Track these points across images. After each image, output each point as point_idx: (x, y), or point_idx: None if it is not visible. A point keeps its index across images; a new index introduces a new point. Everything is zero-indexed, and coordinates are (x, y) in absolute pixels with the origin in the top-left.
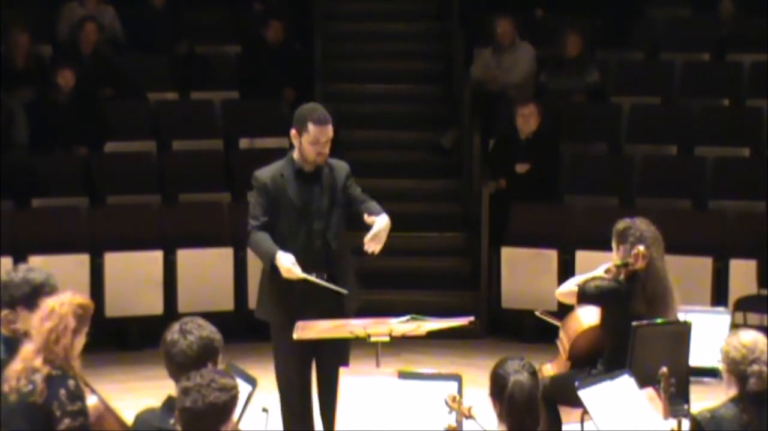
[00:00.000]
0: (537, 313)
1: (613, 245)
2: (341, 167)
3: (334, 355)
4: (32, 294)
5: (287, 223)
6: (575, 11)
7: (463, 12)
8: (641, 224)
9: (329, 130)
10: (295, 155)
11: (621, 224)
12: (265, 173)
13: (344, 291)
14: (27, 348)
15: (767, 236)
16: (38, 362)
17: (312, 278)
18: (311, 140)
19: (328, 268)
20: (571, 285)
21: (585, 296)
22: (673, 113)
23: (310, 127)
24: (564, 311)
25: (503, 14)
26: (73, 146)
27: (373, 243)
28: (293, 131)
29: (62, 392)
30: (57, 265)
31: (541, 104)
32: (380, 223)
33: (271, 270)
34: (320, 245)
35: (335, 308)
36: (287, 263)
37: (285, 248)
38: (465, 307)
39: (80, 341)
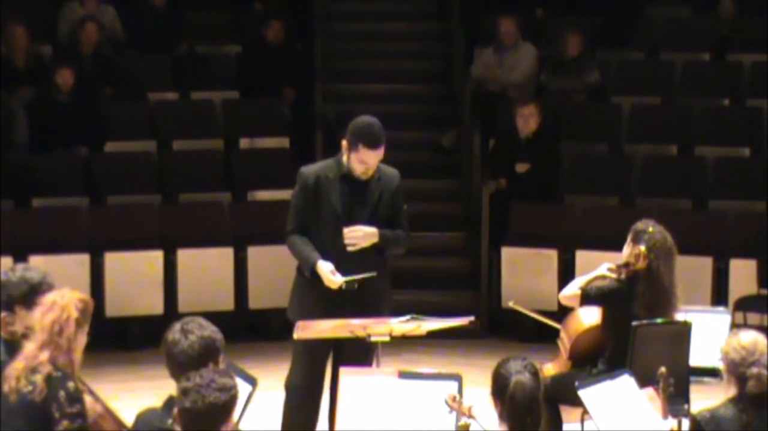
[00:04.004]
0: (510, 304)
1: (627, 240)
2: (392, 175)
3: (355, 355)
4: (30, 293)
5: (327, 228)
6: (575, 11)
7: (463, 12)
8: (657, 233)
9: (381, 152)
10: (344, 158)
11: (640, 225)
12: (310, 171)
13: (373, 274)
14: (29, 347)
15: (767, 236)
16: (43, 357)
17: (350, 279)
18: (359, 160)
19: (354, 274)
20: (574, 289)
21: (588, 298)
22: (673, 113)
23: (361, 149)
24: (564, 310)
25: (505, 14)
26: (73, 145)
27: (348, 235)
28: (344, 142)
29: (61, 393)
30: (57, 265)
31: (541, 104)
32: (365, 227)
33: (307, 276)
34: (357, 255)
35: (369, 312)
36: (328, 273)
37: (324, 253)
38: (465, 307)
39: (82, 338)
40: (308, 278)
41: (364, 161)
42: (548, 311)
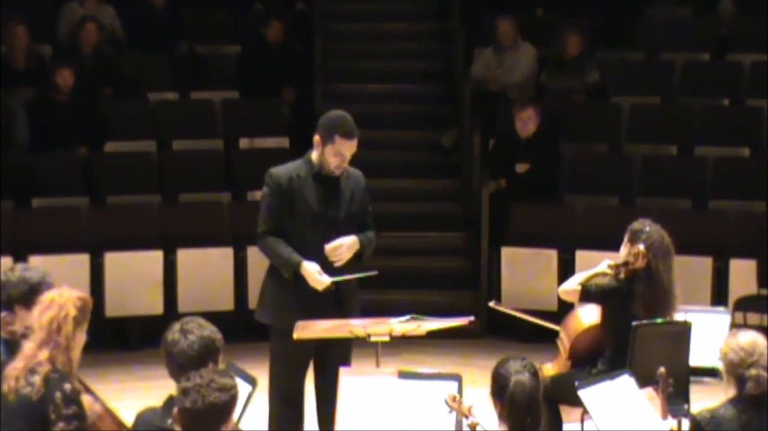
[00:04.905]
0: (491, 304)
1: (624, 240)
2: (358, 175)
3: (338, 355)
4: (30, 293)
5: (302, 228)
6: (575, 11)
7: (463, 12)
8: (654, 232)
9: (355, 143)
10: (314, 156)
11: (637, 225)
12: (281, 172)
13: (374, 272)
14: (28, 346)
15: (767, 236)
16: (42, 356)
17: (338, 279)
18: (336, 152)
19: (341, 274)
20: (574, 284)
21: (588, 294)
22: (673, 113)
23: (337, 139)
24: (564, 310)
25: (504, 14)
26: (73, 145)
27: (332, 253)
28: (317, 138)
29: (58, 395)
30: (57, 265)
31: (540, 105)
32: (345, 239)
33: (282, 275)
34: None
35: (339, 315)
36: (315, 273)
37: (301, 254)
38: (465, 307)
39: (81, 337)
40: (288, 279)
41: (341, 152)
42: (548, 311)
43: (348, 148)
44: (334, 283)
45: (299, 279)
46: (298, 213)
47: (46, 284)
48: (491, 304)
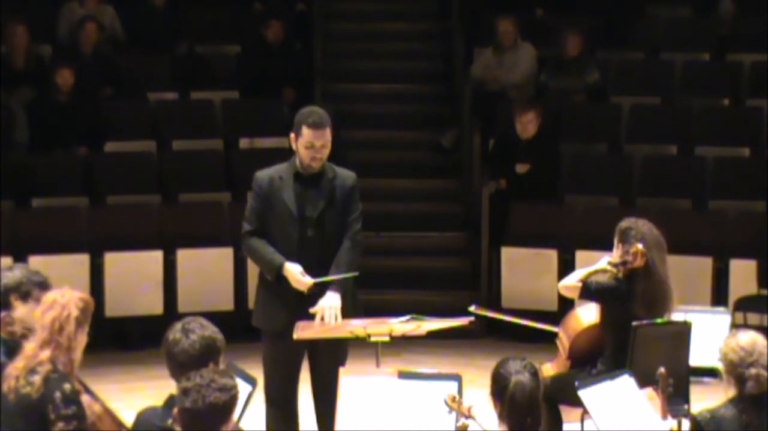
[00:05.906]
0: (470, 308)
1: (615, 242)
2: (347, 176)
3: (331, 356)
4: (25, 282)
5: (281, 228)
6: (575, 11)
7: (463, 12)
8: (643, 227)
9: (325, 134)
10: (296, 158)
11: (624, 224)
12: (263, 175)
13: (354, 274)
14: (29, 346)
15: (767, 236)
16: (44, 356)
17: (321, 279)
18: (306, 144)
19: (322, 275)
20: (574, 280)
21: (588, 291)
22: (673, 113)
23: (305, 131)
24: (564, 310)
25: (504, 14)
26: (73, 146)
27: (328, 318)
28: (291, 135)
29: (57, 394)
30: (57, 265)
31: (540, 109)
32: (322, 303)
33: (270, 279)
34: (314, 252)
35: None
36: (297, 274)
37: (282, 253)
38: (465, 307)
39: (82, 338)
40: (271, 281)
41: (312, 144)
42: (548, 311)
43: (317, 138)
44: (316, 284)
45: (284, 281)
46: (277, 214)
47: (38, 276)
48: (471, 308)
